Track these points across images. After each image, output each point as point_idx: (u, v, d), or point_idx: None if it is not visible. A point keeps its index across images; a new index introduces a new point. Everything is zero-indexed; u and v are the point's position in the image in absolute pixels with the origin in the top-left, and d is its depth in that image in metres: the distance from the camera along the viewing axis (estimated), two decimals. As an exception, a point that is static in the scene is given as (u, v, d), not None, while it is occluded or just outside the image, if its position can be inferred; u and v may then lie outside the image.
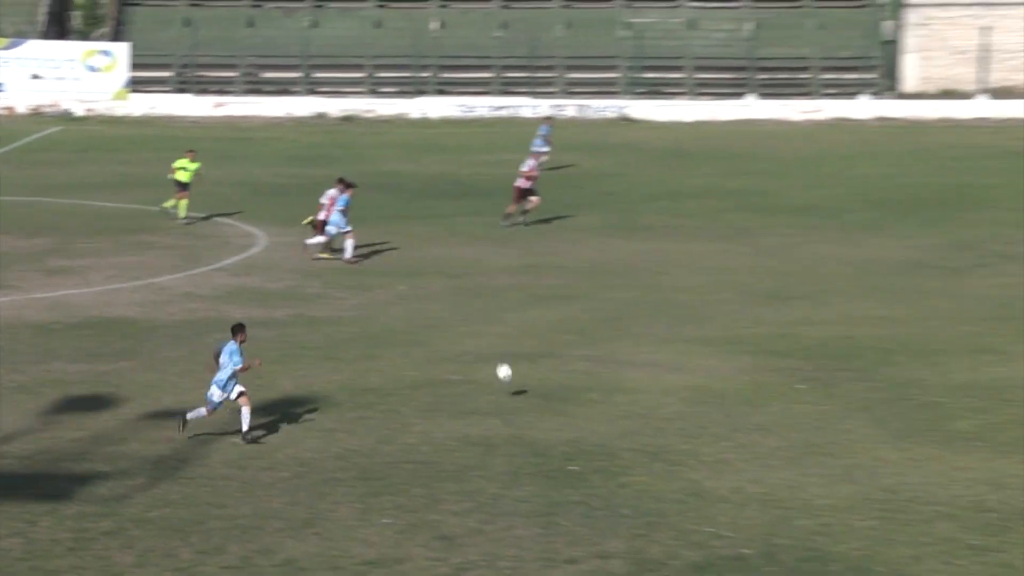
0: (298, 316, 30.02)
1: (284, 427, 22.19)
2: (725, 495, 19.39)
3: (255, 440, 21.26)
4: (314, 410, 23.06)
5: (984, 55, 72.95)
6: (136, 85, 71.46)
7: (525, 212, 40.74)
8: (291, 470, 20.29)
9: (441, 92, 72.69)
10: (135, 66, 71.41)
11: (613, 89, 73.28)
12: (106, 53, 71.97)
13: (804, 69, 74.25)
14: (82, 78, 71.08)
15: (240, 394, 21.33)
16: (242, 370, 21.23)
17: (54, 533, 17.79)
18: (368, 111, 69.98)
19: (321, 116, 69.34)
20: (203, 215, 41.45)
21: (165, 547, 17.48)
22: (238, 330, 21.48)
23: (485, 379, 24.93)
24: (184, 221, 40.48)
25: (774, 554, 17.45)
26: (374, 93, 73.40)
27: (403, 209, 43.48)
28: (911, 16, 77.15)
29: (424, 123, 68.33)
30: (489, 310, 30.78)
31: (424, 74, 73.66)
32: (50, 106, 69.89)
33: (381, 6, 77.82)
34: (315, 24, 76.36)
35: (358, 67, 74.42)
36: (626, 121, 68.70)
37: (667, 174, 52.37)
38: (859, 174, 52.43)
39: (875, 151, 58.91)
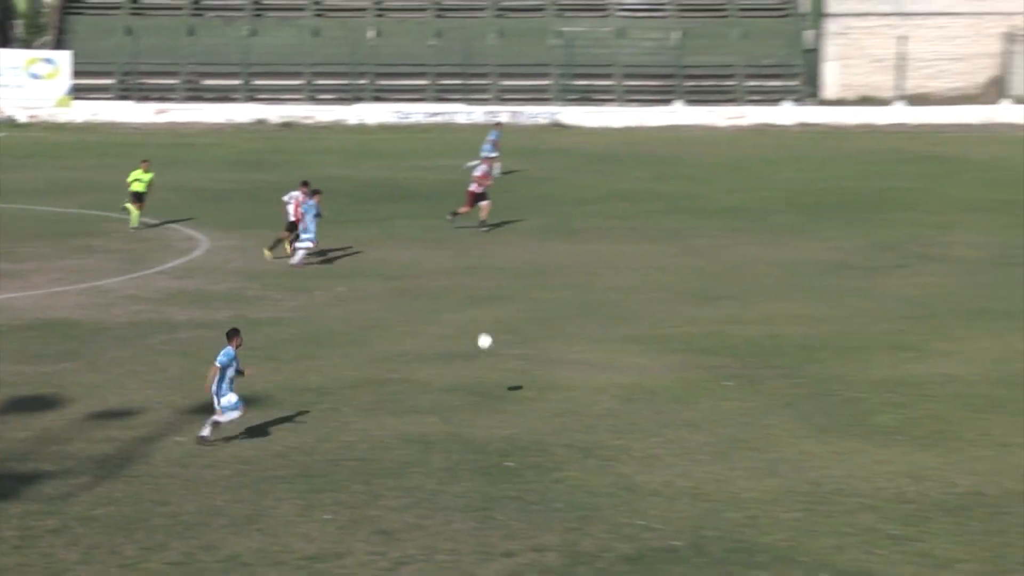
0: (239, 317, 29.80)
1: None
2: (656, 489, 19.45)
3: (204, 440, 21.05)
4: (255, 409, 22.91)
5: (901, 63, 73.64)
6: (78, 92, 70.88)
7: (482, 220, 40.60)
8: (233, 468, 20.17)
9: (378, 99, 72.54)
10: (77, 73, 70.84)
11: (545, 96, 73.41)
12: (49, 61, 71.35)
13: (729, 77, 74.67)
14: (25, 85, 70.42)
15: (236, 407, 20.99)
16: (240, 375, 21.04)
17: None
18: (307, 117, 69.72)
19: (261, 122, 69.01)
20: (157, 222, 41.03)
21: (110, 544, 17.33)
22: (233, 335, 21.22)
23: (423, 378, 24.91)
24: (134, 229, 40.10)
25: (703, 546, 17.52)
26: (312, 100, 73.15)
27: (341, 213, 43.29)
28: (831, 25, 77.76)
29: (361, 129, 68.14)
30: (427, 311, 30.73)
31: (361, 81, 73.48)
32: (-7, 113, 69.21)
33: (319, 15, 77.56)
34: (254, 33, 75.99)
35: (297, 75, 74.14)
36: (558, 127, 68.80)
37: (598, 178, 52.48)
38: (783, 178, 52.75)
39: (798, 156, 59.29)
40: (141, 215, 40.36)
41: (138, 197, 40.25)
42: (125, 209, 40.85)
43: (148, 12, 77.21)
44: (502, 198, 45.79)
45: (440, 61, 74.09)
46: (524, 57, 74.44)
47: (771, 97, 73.25)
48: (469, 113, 69.48)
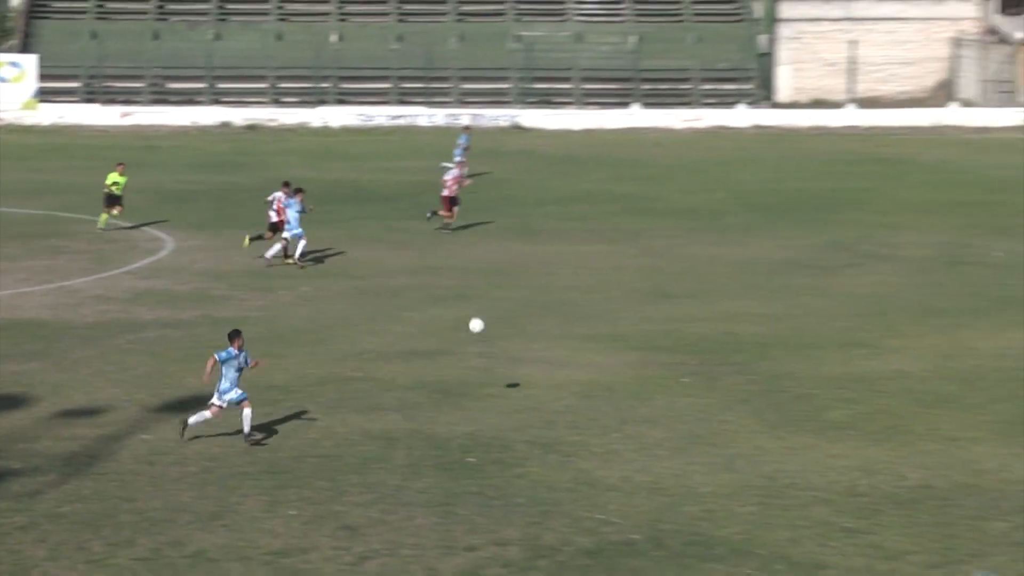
0: (205, 317, 29.73)
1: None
2: (615, 484, 19.48)
3: (257, 442, 20.88)
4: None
5: (852, 67, 73.98)
6: (45, 95, 70.42)
7: (434, 213, 40.51)
8: (199, 465, 20.09)
9: (341, 102, 72.38)
10: (43, 77, 70.39)
11: (505, 99, 73.41)
12: (15, 64, 70.85)
13: (685, 80, 74.86)
14: (-8, 89, 69.90)
15: (241, 400, 20.89)
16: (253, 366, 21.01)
17: (-32, 529, 17.50)
18: (271, 120, 69.48)
19: (225, 125, 68.73)
20: (129, 225, 40.68)
21: (77, 541, 17.24)
22: (235, 336, 21.08)
23: (386, 376, 24.88)
24: (101, 229, 39.80)
25: (661, 539, 17.56)
26: (277, 103, 72.93)
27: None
28: (784, 30, 78.08)
29: (325, 132, 67.96)
30: (389, 310, 30.68)
31: (324, 85, 73.32)
32: (-40, 116, 68.69)
33: (282, 20, 77.35)
34: (218, 37, 75.70)
35: (261, 78, 73.90)
36: (518, 129, 68.81)
37: (557, 180, 52.51)
38: (738, 179, 52.91)
39: (752, 157, 59.48)
40: (120, 217, 39.99)
41: (113, 199, 39.96)
42: (103, 228, 40.24)
43: (113, 17, 76.78)
44: (464, 199, 45.74)
45: (402, 65, 73.99)
46: (484, 61, 74.44)
47: (726, 100, 73.46)
48: (431, 116, 69.41)
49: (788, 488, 19.39)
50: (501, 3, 78.20)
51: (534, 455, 20.67)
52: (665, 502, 18.80)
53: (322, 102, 72.01)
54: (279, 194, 36.14)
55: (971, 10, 78.41)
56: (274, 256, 35.21)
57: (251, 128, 68.18)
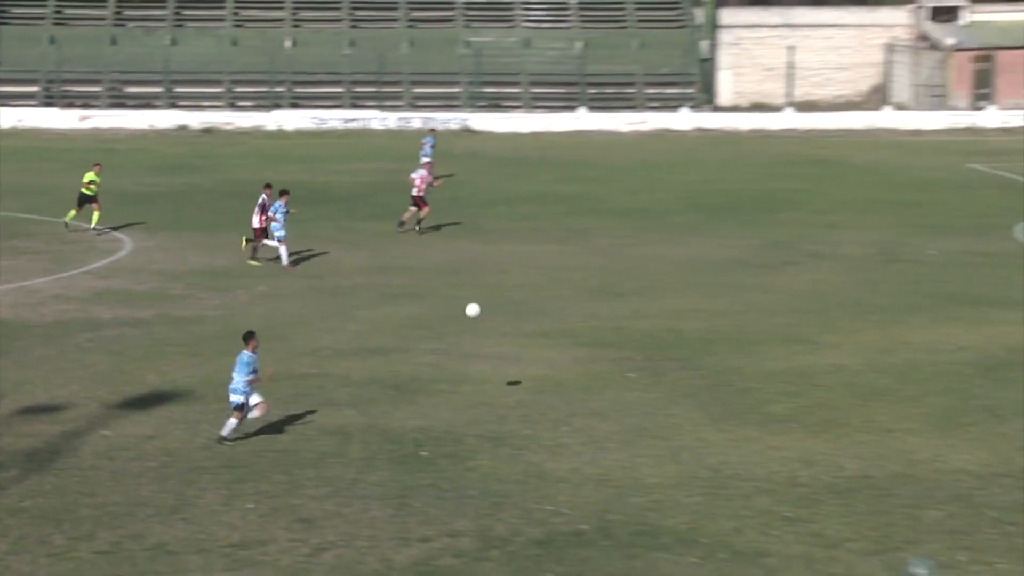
0: (163, 316, 29.54)
1: (151, 419, 21.81)
2: (564, 476, 19.50)
3: (222, 441, 20.66)
4: (179, 403, 22.71)
5: (790, 72, 74.35)
6: (4, 100, 69.74)
7: (419, 221, 40.33)
8: (159, 460, 19.98)
9: (295, 106, 72.06)
10: (2, 81, 69.76)
11: (455, 103, 73.29)
12: (-26, 69, 70.11)
13: (629, 84, 74.99)
14: (-49, 93, 69.17)
15: (236, 406, 20.64)
16: (255, 380, 20.62)
17: (-69, 524, 17.31)
18: (227, 123, 69.09)
19: (183, 128, 68.31)
20: (87, 227, 40.27)
21: (38, 535, 17.11)
22: (249, 338, 20.80)
23: (341, 372, 24.80)
24: (65, 224, 39.41)
25: (609, 529, 17.60)
26: (232, 107, 72.52)
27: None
28: (725, 36, 78.37)
29: (280, 135, 67.67)
30: (344, 308, 30.59)
31: (279, 89, 72.99)
32: (-80, 119, 67.87)
33: (238, 26, 76.95)
34: (175, 42, 75.24)
35: (217, 82, 73.47)
36: (468, 132, 68.74)
37: (507, 181, 52.49)
38: (681, 180, 53.06)
39: (695, 159, 59.67)
40: (100, 219, 39.50)
41: (91, 199, 39.54)
42: (67, 226, 39.73)
43: (71, 22, 76.14)
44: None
45: (355, 69, 73.74)
46: (435, 65, 74.29)
47: (669, 104, 73.61)
48: (383, 119, 69.23)
49: (731, 479, 19.47)
50: (451, 9, 78.11)
51: (485, 448, 20.66)
52: (613, 493, 18.84)
53: (277, 106, 71.68)
54: (263, 198, 35.84)
55: (904, 17, 78.95)
56: (290, 260, 34.93)
57: (207, 131, 67.80)
